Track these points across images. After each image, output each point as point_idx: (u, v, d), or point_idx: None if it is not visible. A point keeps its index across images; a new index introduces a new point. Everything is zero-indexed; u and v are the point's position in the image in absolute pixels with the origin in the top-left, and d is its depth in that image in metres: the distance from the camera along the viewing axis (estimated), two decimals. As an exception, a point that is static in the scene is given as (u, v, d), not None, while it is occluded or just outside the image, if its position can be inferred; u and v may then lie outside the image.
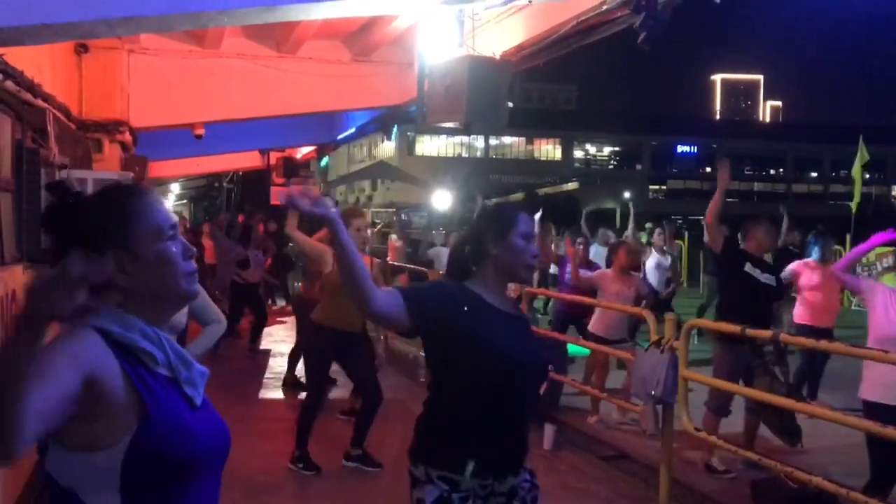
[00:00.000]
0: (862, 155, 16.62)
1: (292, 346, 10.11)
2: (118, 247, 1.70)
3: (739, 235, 6.45)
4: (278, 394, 8.90)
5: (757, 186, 76.56)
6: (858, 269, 16.40)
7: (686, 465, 6.22)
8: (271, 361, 10.55)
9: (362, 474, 6.09)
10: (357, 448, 6.22)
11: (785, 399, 5.35)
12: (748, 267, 6.11)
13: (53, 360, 1.52)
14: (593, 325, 7.80)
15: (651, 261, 11.51)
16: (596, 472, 6.23)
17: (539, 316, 12.73)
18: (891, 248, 18.06)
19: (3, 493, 4.46)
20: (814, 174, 77.08)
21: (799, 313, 8.20)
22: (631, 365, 6.28)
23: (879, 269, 16.66)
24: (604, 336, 7.47)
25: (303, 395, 8.65)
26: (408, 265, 13.51)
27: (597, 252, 13.89)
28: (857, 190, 16.77)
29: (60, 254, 1.63)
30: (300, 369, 8.90)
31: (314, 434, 6.21)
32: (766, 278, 6.18)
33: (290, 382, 9.00)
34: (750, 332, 5.35)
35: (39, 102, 5.43)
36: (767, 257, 7.35)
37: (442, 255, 12.22)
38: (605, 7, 5.11)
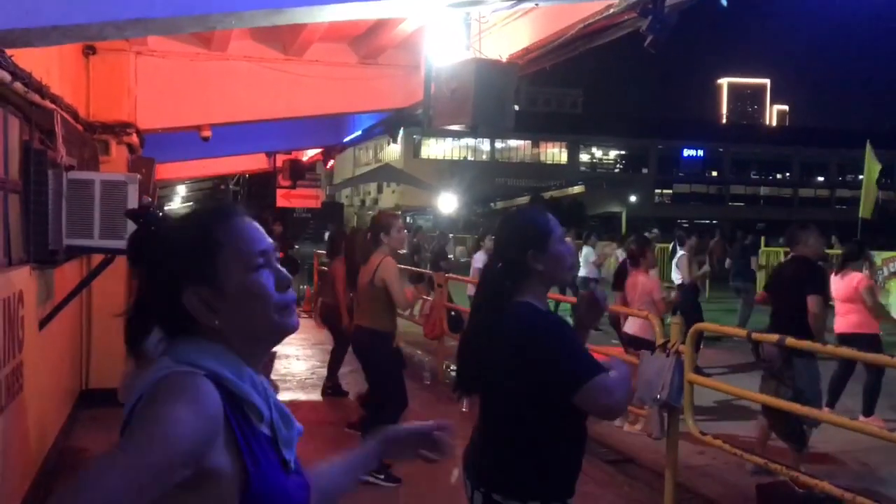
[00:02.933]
0: (871, 163, 16.54)
1: (303, 349, 10.12)
2: (201, 282, 1.49)
3: (788, 242, 6.54)
4: (281, 396, 8.92)
5: (763, 191, 76.45)
6: (865, 272, 16.39)
7: (691, 469, 6.21)
8: (276, 364, 10.57)
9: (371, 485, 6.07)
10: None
11: (791, 403, 5.34)
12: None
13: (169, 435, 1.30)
14: (633, 328, 7.73)
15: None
16: (601, 476, 6.22)
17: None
18: (897, 253, 18.01)
19: (7, 492, 4.47)
20: (820, 178, 76.89)
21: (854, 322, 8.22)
22: (636, 369, 6.28)
23: (886, 273, 16.59)
24: (643, 337, 7.40)
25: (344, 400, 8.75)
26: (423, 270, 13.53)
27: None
28: (871, 197, 16.68)
29: (150, 287, 1.54)
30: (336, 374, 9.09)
31: (318, 446, 6.21)
32: None
33: (328, 388, 9.08)
34: (756, 336, 5.34)
35: (47, 104, 5.43)
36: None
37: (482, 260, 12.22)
38: (611, 10, 5.10)
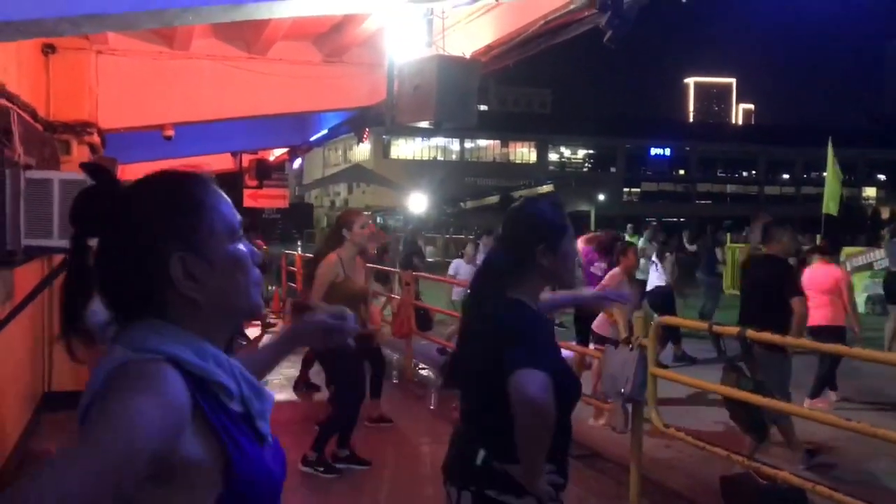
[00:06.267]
0: (832, 156, 16.75)
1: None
2: (186, 248, 1.36)
3: (762, 238, 6.69)
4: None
5: (730, 188, 77.27)
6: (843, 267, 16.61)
7: (657, 462, 6.25)
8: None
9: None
10: (316, 452, 6.22)
11: (753, 395, 5.39)
12: None
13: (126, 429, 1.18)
14: (600, 326, 7.75)
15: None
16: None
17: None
18: (861, 248, 18.29)
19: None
20: (786, 176, 77.84)
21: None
22: (599, 365, 6.33)
23: (849, 268, 16.82)
24: (610, 336, 7.37)
25: (316, 395, 8.73)
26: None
27: None
28: (835, 194, 16.88)
29: (83, 250, 1.39)
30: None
31: (300, 439, 6.26)
32: None
33: (301, 384, 9.04)
34: (716, 328, 5.40)
35: (4, 102, 5.37)
36: None
37: (460, 268, 12.24)
38: (571, 7, 5.12)
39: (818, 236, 17.32)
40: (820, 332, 8.15)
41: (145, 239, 1.35)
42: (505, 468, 2.48)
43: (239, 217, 1.46)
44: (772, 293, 6.27)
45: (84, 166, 1.45)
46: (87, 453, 1.16)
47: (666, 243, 12.79)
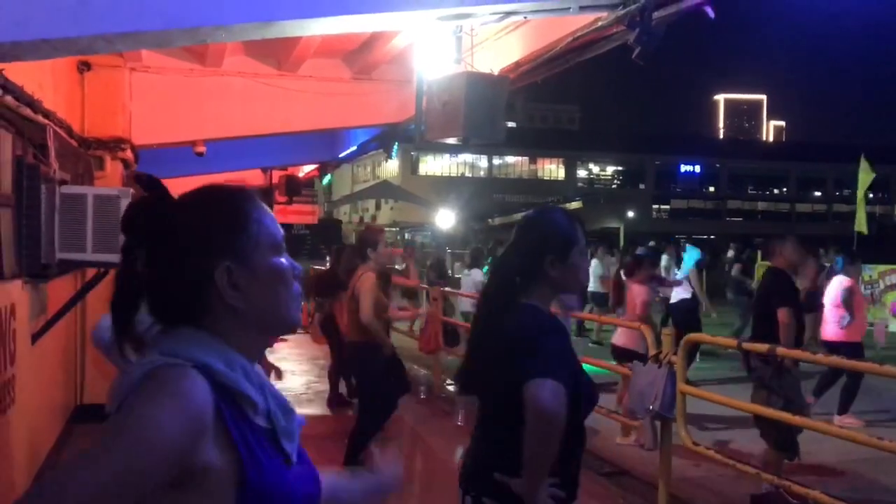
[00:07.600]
0: (865, 172, 16.56)
1: (299, 364, 10.09)
2: (232, 258, 1.40)
3: (765, 255, 6.69)
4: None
5: (761, 206, 76.47)
6: (862, 288, 16.42)
7: (686, 481, 6.20)
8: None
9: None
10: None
11: (782, 413, 5.34)
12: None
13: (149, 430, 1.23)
14: (622, 339, 7.72)
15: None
16: (595, 489, 6.20)
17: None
18: (894, 266, 18.01)
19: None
20: (817, 193, 76.98)
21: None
22: (628, 381, 6.30)
23: (882, 287, 16.60)
24: (634, 349, 7.25)
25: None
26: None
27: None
28: (861, 209, 16.72)
29: (133, 258, 1.41)
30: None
31: (333, 456, 6.29)
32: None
33: (335, 401, 9.13)
34: (746, 345, 5.35)
35: (40, 118, 5.46)
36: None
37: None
38: (600, 23, 5.14)
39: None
40: (836, 348, 8.22)
41: (193, 248, 1.40)
42: (505, 480, 2.47)
43: (282, 231, 1.50)
44: (765, 305, 6.18)
45: (138, 177, 1.52)
46: (108, 456, 1.20)
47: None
